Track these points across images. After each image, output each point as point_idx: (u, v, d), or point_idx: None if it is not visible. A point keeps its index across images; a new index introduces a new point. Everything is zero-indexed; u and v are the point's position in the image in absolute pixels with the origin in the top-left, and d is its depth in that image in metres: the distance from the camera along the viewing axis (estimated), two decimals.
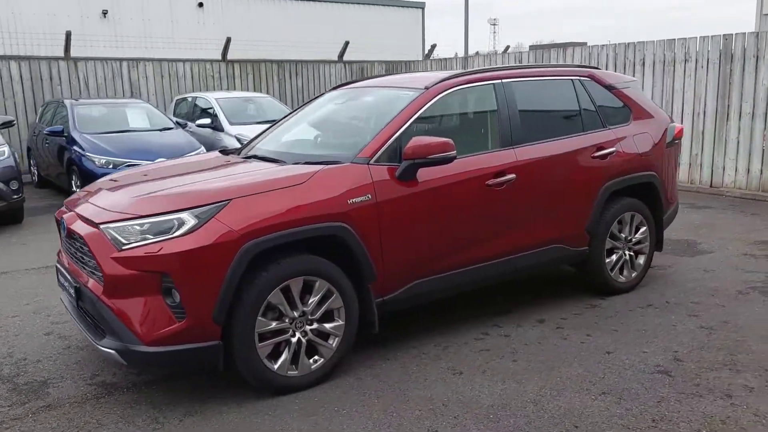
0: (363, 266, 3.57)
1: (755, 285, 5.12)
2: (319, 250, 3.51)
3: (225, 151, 4.78)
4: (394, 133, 3.81)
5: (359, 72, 17.40)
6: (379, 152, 3.73)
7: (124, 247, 3.11)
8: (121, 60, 14.04)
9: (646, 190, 5.03)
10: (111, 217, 3.25)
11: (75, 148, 9.16)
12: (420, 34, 27.41)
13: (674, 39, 9.92)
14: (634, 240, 5.01)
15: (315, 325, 3.47)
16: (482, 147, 4.25)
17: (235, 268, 3.11)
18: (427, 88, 4.08)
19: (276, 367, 3.35)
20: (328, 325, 3.52)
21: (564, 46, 10.88)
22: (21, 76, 12.78)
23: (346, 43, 17.14)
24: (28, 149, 11.97)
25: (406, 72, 15.70)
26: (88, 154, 8.88)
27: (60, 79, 13.18)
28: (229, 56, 15.40)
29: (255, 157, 4.20)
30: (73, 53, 13.75)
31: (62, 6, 19.90)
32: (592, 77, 4.91)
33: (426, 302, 4.12)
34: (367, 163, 3.66)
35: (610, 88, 4.98)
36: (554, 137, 4.53)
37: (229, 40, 15.22)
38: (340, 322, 3.55)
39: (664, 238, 5.36)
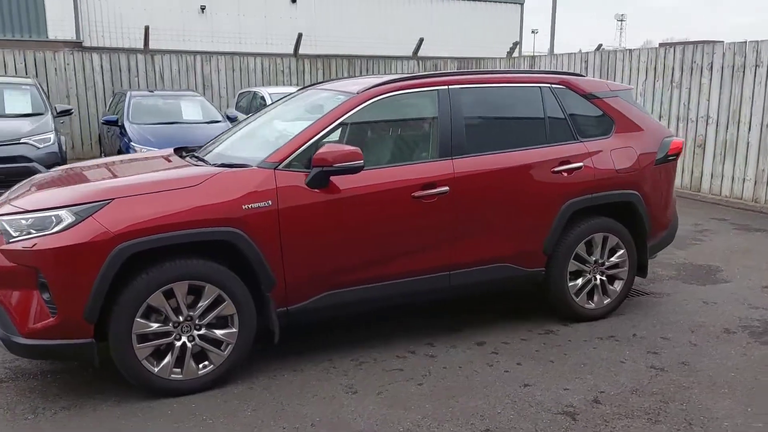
0: (259, 274, 3.50)
1: (750, 324, 4.55)
2: (218, 255, 3.47)
3: (186, 149, 4.85)
4: (310, 138, 3.70)
5: (432, 68, 17.19)
6: (290, 157, 3.63)
7: (11, 240, 3.22)
8: (195, 53, 14.68)
9: (625, 210, 4.59)
10: (9, 210, 3.38)
11: (124, 137, 9.67)
12: (518, 30, 26.76)
13: (745, 42, 9.00)
14: (607, 264, 4.59)
15: (203, 331, 3.45)
16: (414, 157, 4.05)
17: (107, 268, 3.14)
18: (358, 93, 3.93)
19: (157, 369, 3.36)
20: (219, 332, 3.48)
21: (695, 44, 10.10)
22: (102, 67, 13.67)
23: (421, 40, 16.98)
24: (99, 137, 12.78)
25: (476, 68, 15.34)
26: (132, 143, 9.34)
27: (137, 70, 13.97)
28: (318, 52, 15.72)
29: (196, 157, 4.23)
30: (172, 47, 14.59)
31: (165, 2, 21.04)
32: (566, 85, 4.53)
33: (345, 314, 3.99)
34: (274, 168, 3.58)
35: (589, 97, 4.58)
36: (507, 149, 4.23)
37: (300, 35, 15.52)
38: (233, 330, 3.51)
39: (685, 262, 4.84)
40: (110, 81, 13.76)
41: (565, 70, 12.59)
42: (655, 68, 10.43)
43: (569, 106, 4.51)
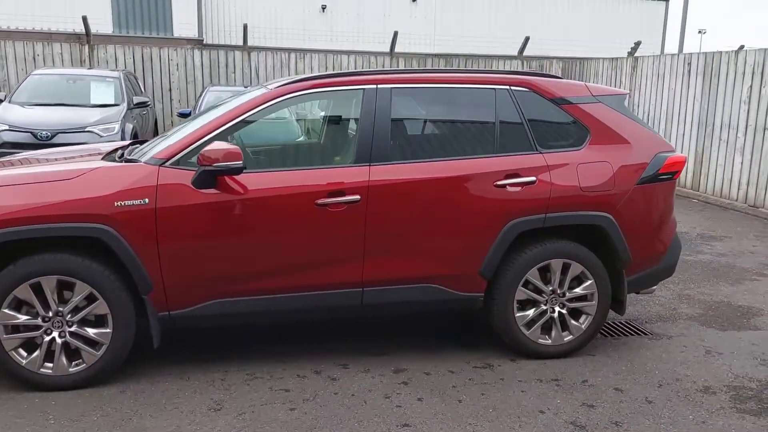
0: (133, 275, 3.37)
1: (743, 384, 3.72)
2: (98, 252, 3.39)
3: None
4: (204, 135, 3.51)
5: (538, 68, 16.31)
6: (179, 155, 3.47)
7: None
8: (289, 51, 15.03)
9: (596, 235, 3.94)
10: None
11: None
12: (660, 29, 24.87)
13: None
14: (569, 295, 3.96)
15: (74, 328, 3.38)
16: (326, 160, 3.71)
17: None
18: (272, 89, 3.67)
19: (25, 361, 3.35)
20: (91, 331, 3.40)
21: None
22: (202, 63, 14.39)
23: (526, 39, 16.15)
24: None
25: (580, 69, 14.28)
26: None
27: (234, 66, 14.55)
28: (436, 51, 15.57)
29: (114, 153, 4.10)
30: (294, 45, 15.14)
31: (288, 1, 21.82)
32: (530, 87, 3.95)
33: (242, 323, 3.76)
34: (159, 165, 3.43)
35: (558, 101, 3.96)
36: (441, 157, 3.77)
37: (396, 34, 15.33)
38: (107, 330, 3.41)
39: (723, 301, 4.08)
40: (209, 76, 14.44)
41: (659, 71, 11.43)
42: (762, 72, 9.07)
43: (531, 111, 3.93)
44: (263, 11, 21.44)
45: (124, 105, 9.77)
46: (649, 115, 11.74)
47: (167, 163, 3.44)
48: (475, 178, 3.72)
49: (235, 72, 14.55)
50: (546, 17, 22.57)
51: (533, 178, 3.78)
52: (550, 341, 3.98)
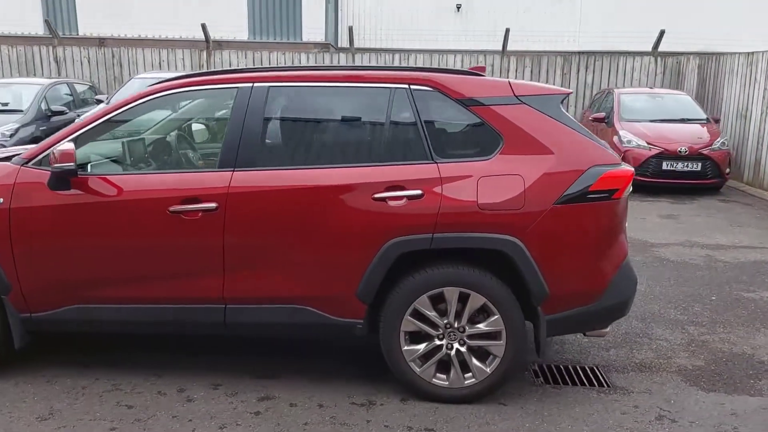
0: None
1: None
2: None
3: None
4: (69, 134, 3.43)
5: (674, 66, 14.62)
6: (42, 155, 3.42)
7: None
8: (394, 51, 14.88)
9: (503, 261, 3.29)
10: None
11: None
12: None
13: None
14: (470, 331, 3.35)
15: None
16: (188, 164, 3.45)
17: None
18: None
19: None
20: None
21: None
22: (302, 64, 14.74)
23: (662, 33, 14.53)
24: None
25: (715, 64, 12.50)
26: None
27: None
28: (583, 48, 14.74)
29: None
30: (425, 47, 15.22)
31: (421, 2, 21.79)
32: (434, 86, 3.38)
33: (106, 332, 3.63)
34: (21, 165, 3.41)
35: (467, 102, 3.35)
36: (318, 164, 3.36)
37: (508, 30, 14.55)
38: None
39: (743, 353, 3.42)
40: None
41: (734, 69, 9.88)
42: None
43: (431, 113, 3.37)
44: (395, 13, 21.55)
45: (30, 113, 10.09)
46: None
47: (30, 163, 3.42)
48: (351, 189, 3.26)
49: None
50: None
51: (419, 192, 3.23)
52: (447, 383, 3.39)
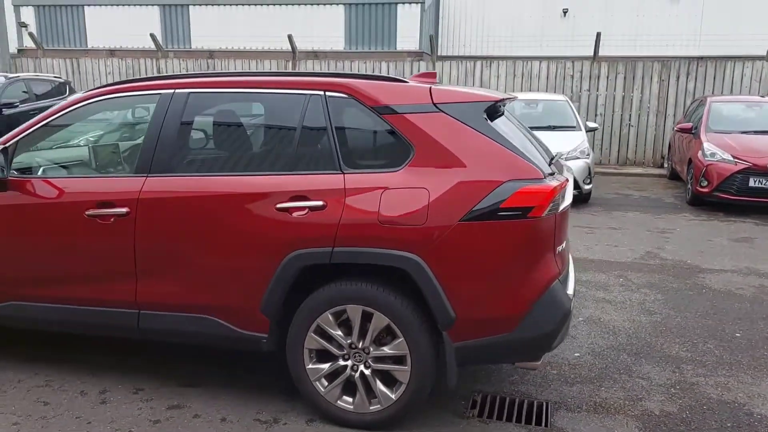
0: None
1: None
2: None
3: None
4: (14, 138, 3.60)
5: None
6: None
7: None
8: (474, 59, 14.56)
9: (409, 281, 3.04)
10: None
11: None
12: None
13: None
14: (374, 353, 3.13)
15: None
16: (109, 169, 3.52)
17: None
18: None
19: None
20: None
21: None
22: (387, 73, 14.76)
23: None
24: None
25: None
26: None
27: None
28: (704, 53, 13.89)
29: None
30: (529, 53, 15.05)
31: (527, 6, 21.29)
32: (349, 93, 3.20)
33: (44, 329, 3.76)
34: None
35: (381, 110, 3.14)
36: (229, 171, 3.30)
37: (599, 35, 13.78)
38: None
39: (728, 402, 3.16)
40: None
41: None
42: None
43: (343, 121, 3.20)
44: (499, 21, 21.16)
45: None
46: None
47: None
48: (256, 198, 3.16)
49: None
50: None
51: (321, 203, 3.07)
52: (352, 407, 3.19)
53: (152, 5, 20.90)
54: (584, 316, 4.89)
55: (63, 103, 3.61)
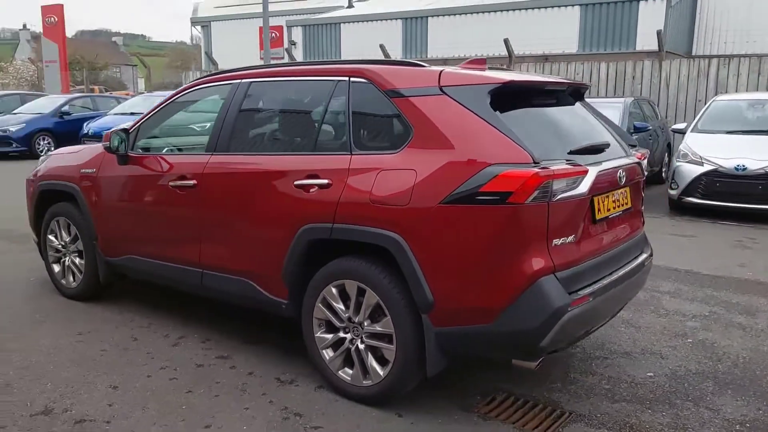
0: (82, 226, 4.60)
1: None
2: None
3: None
4: (137, 123, 4.42)
5: None
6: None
7: None
8: (710, 57, 12.98)
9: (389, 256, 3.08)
10: None
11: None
12: None
13: None
14: (367, 329, 3.23)
15: None
16: (197, 147, 4.09)
17: None
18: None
19: None
20: None
21: None
22: (607, 75, 13.92)
23: None
24: None
25: None
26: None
27: (642, 77, 13.52)
28: None
29: None
30: None
31: None
32: (366, 77, 3.31)
33: (150, 280, 4.48)
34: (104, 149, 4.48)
35: (391, 94, 3.19)
36: (270, 151, 3.68)
37: None
38: None
39: None
40: (612, 88, 13.87)
41: None
42: None
43: (360, 105, 3.34)
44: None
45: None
46: None
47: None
48: (281, 176, 3.48)
49: (641, 83, 13.53)
50: None
51: (327, 181, 3.27)
52: (349, 378, 3.33)
53: (395, 20, 22.45)
54: (697, 338, 4.26)
55: (169, 93, 4.33)
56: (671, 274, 5.72)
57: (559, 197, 2.84)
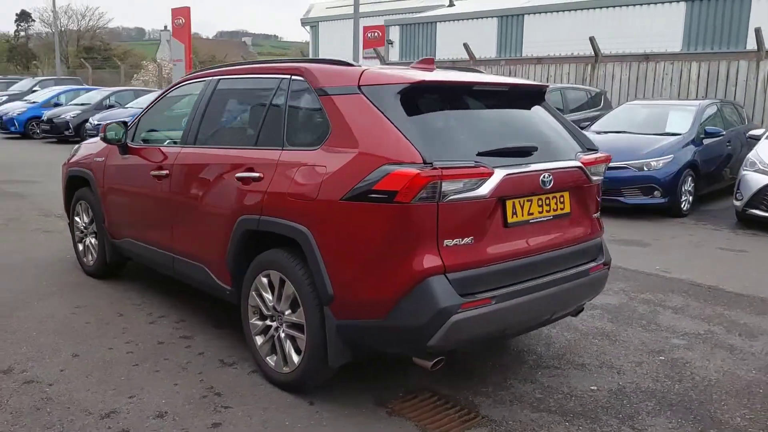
0: (95, 209, 5.06)
1: None
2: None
3: None
4: (140, 116, 4.80)
5: None
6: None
7: None
8: None
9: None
10: None
11: None
12: None
13: None
14: (286, 319, 3.36)
15: None
16: (177, 140, 4.37)
17: None
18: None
19: None
20: None
21: None
22: (698, 76, 13.07)
23: None
24: None
25: None
26: None
27: (737, 79, 12.58)
28: None
29: None
30: None
31: None
32: (303, 76, 3.44)
33: (144, 263, 4.84)
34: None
35: (319, 92, 3.28)
36: (224, 145, 3.92)
37: None
38: None
39: None
40: (704, 90, 12.99)
41: None
42: None
43: (295, 102, 3.48)
44: None
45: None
46: None
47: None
48: (228, 168, 3.70)
49: (735, 85, 12.58)
50: None
51: (259, 175, 3.44)
52: (273, 364, 3.48)
53: (491, 18, 22.17)
54: (672, 356, 4.02)
55: (161, 90, 4.68)
56: (689, 289, 5.37)
57: (451, 198, 2.83)
